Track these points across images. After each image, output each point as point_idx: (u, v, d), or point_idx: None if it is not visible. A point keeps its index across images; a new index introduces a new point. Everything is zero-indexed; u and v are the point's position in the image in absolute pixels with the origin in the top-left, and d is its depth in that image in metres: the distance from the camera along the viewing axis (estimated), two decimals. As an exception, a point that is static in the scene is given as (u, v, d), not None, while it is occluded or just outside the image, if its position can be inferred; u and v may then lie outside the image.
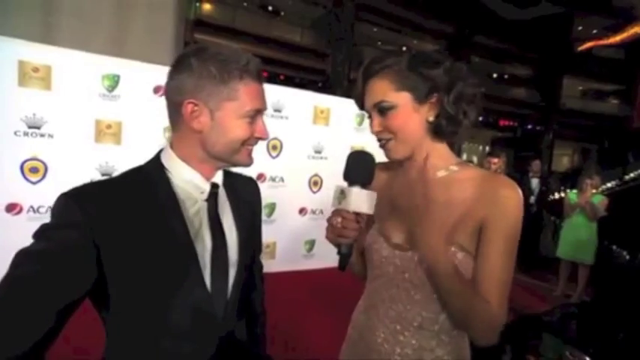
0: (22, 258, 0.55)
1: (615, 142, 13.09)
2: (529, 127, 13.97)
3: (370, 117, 0.72)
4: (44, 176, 2.24)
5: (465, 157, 12.37)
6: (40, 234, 0.57)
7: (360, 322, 0.78)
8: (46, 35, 3.51)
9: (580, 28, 12.87)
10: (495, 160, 3.21)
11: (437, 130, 0.69)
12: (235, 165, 0.70)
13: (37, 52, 2.21)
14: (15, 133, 2.19)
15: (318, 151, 3.45)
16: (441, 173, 0.71)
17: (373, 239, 0.75)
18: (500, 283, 0.66)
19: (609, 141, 13.70)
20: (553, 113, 12.67)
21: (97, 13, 3.77)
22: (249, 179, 0.84)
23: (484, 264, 0.67)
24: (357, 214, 0.65)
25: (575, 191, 3.70)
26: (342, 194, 0.65)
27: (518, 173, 5.02)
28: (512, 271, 0.68)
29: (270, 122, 2.95)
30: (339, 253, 0.67)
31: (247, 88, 0.64)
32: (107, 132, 2.31)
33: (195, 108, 0.63)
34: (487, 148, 14.13)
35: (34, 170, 2.24)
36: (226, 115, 0.64)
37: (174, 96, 0.65)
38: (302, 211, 3.45)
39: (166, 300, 0.62)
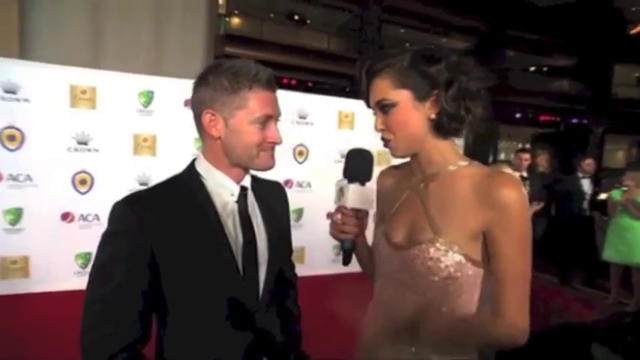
0: (99, 268, 0.65)
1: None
2: (573, 121, 12.91)
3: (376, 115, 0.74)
4: (91, 187, 2.48)
5: (502, 156, 11.66)
6: (106, 242, 0.66)
7: (367, 322, 0.79)
8: (95, 60, 3.92)
9: (634, 8, 11.67)
10: (526, 155, 3.02)
11: (438, 128, 0.67)
12: (257, 169, 0.75)
13: (84, 76, 2.47)
14: (68, 149, 2.44)
15: (344, 156, 3.46)
16: (443, 171, 0.70)
17: (377, 239, 0.76)
18: (518, 292, 0.63)
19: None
20: (602, 104, 11.59)
21: (136, 37, 4.17)
22: (276, 183, 0.90)
23: (500, 274, 0.64)
24: (357, 210, 0.67)
25: (623, 189, 3.37)
26: (340, 191, 0.68)
27: (561, 172, 4.63)
28: (529, 275, 0.64)
29: (295, 129, 2.99)
30: (342, 248, 0.69)
31: (256, 96, 0.70)
32: (144, 145, 2.50)
33: (212, 117, 0.71)
34: (527, 146, 13.25)
35: (83, 182, 2.48)
36: (238, 121, 0.70)
37: (196, 108, 0.73)
38: (330, 215, 3.47)
39: (206, 289, 0.70)
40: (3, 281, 2.48)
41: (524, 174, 3.04)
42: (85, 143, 2.46)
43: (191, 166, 0.76)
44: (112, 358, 0.63)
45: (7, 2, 3.48)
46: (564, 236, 4.02)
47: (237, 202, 0.75)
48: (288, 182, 3.22)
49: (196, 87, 0.72)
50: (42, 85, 2.40)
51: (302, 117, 3.31)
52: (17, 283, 2.44)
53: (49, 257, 2.44)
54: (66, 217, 2.49)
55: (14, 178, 2.48)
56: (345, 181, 0.69)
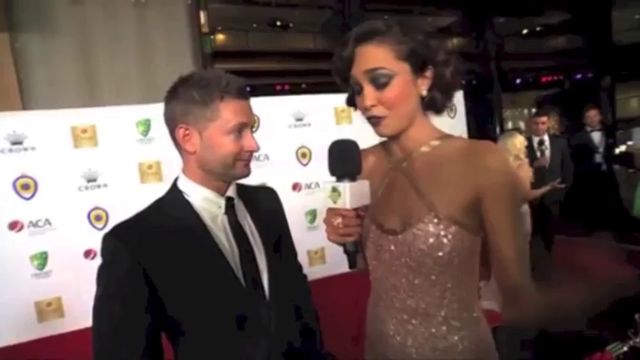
0: (98, 303, 0.67)
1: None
2: (578, 76, 12.49)
3: (356, 91, 0.67)
4: (107, 223, 2.54)
5: (510, 125, 11.39)
6: (101, 275, 0.68)
7: (372, 316, 0.77)
8: (92, 100, 4.08)
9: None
10: (543, 119, 2.90)
11: (431, 104, 0.66)
12: (234, 178, 0.74)
13: (83, 116, 2.54)
14: (78, 188, 2.51)
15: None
16: (426, 148, 0.68)
17: (367, 229, 0.73)
18: (523, 255, 0.63)
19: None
20: (604, 54, 11.16)
21: (127, 70, 4.34)
22: (267, 189, 0.89)
23: (504, 241, 0.62)
24: (357, 208, 0.64)
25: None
26: (335, 192, 0.62)
27: (569, 133, 4.53)
28: (527, 238, 0.65)
29: (294, 132, 2.98)
30: (345, 252, 0.66)
31: (228, 106, 0.70)
32: (149, 172, 2.55)
33: (187, 132, 0.70)
34: (533, 111, 12.89)
35: (98, 218, 2.55)
36: (213, 134, 0.69)
37: (169, 124, 0.72)
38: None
39: (212, 304, 0.69)
40: (40, 324, 2.58)
41: (545, 138, 2.95)
42: (94, 180, 2.53)
43: (174, 186, 0.76)
44: None
45: (2, 63, 3.65)
46: (584, 194, 3.92)
47: (226, 213, 0.74)
48: (296, 186, 3.23)
49: (167, 101, 0.72)
50: (44, 130, 2.48)
51: (299, 119, 3.32)
52: (53, 325, 2.52)
53: (78, 296, 2.52)
54: (88, 254, 2.56)
55: (34, 225, 2.57)
56: (334, 180, 0.63)
